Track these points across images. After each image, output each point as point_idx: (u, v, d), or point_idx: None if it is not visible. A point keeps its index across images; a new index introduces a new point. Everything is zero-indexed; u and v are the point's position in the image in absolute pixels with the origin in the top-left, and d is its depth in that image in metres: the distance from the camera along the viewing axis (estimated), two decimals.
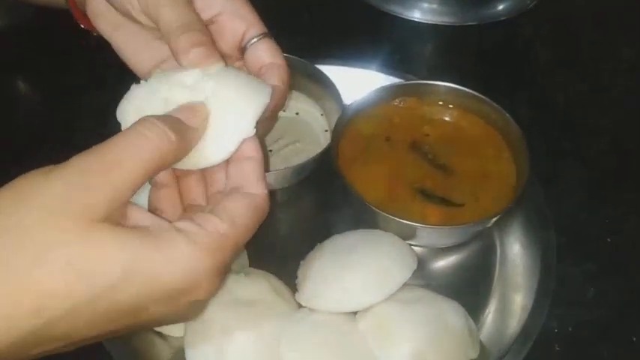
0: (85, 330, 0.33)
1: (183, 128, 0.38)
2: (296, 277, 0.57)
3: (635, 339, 0.58)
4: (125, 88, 0.44)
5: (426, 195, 0.61)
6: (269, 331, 0.52)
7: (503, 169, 0.64)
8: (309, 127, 0.70)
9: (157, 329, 0.56)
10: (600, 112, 0.77)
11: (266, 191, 0.41)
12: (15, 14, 0.84)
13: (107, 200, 0.33)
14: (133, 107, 0.42)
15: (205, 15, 0.48)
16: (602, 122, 0.75)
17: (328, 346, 0.52)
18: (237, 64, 0.52)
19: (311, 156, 0.63)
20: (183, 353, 0.53)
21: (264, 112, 0.43)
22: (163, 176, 0.43)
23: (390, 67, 0.75)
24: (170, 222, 0.37)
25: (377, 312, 0.53)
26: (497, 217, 0.60)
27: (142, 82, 0.43)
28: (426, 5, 0.85)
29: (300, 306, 0.55)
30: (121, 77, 0.51)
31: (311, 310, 0.54)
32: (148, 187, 0.43)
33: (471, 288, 0.61)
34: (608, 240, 0.65)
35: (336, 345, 0.52)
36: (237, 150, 0.42)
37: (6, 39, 0.81)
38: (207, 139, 0.41)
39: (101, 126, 0.37)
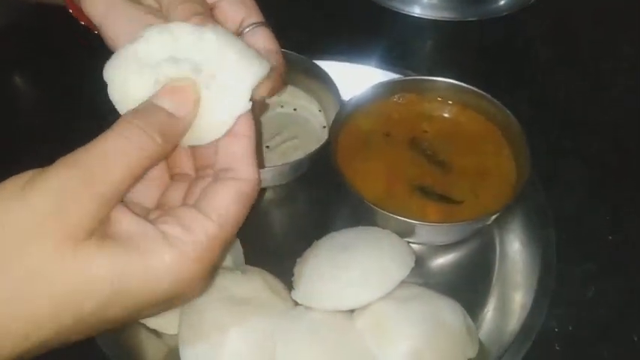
0: (75, 337, 0.34)
1: (169, 126, 0.37)
2: (292, 275, 0.57)
3: (636, 338, 0.58)
4: None
5: (425, 192, 0.61)
6: (264, 329, 0.52)
7: (503, 166, 0.63)
8: (307, 123, 0.69)
9: (152, 327, 0.55)
10: (601, 110, 0.76)
11: (256, 176, 0.39)
12: (15, 14, 0.83)
13: (93, 215, 0.32)
14: (122, 70, 0.40)
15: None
16: (603, 120, 0.75)
17: (324, 345, 0.51)
18: None
19: (309, 152, 0.62)
20: (178, 350, 0.52)
21: (260, 88, 0.42)
22: None
23: (389, 63, 0.75)
24: (154, 225, 0.35)
25: (374, 310, 0.53)
26: (497, 214, 0.59)
27: (137, 38, 0.40)
28: (426, 1, 0.84)
29: (296, 304, 0.55)
30: None
31: (307, 308, 0.54)
32: None
33: (469, 286, 0.60)
34: (609, 238, 0.64)
35: (332, 343, 0.51)
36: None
37: (6, 38, 0.80)
38: (202, 115, 0.39)
39: (101, 126, 0.35)
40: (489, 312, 0.59)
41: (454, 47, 0.84)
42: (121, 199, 0.34)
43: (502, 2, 0.86)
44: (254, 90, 0.40)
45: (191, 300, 0.39)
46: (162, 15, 0.46)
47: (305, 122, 0.70)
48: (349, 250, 0.56)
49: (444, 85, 0.66)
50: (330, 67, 0.68)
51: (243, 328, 0.51)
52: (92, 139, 0.34)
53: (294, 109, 0.70)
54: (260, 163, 0.42)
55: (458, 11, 0.84)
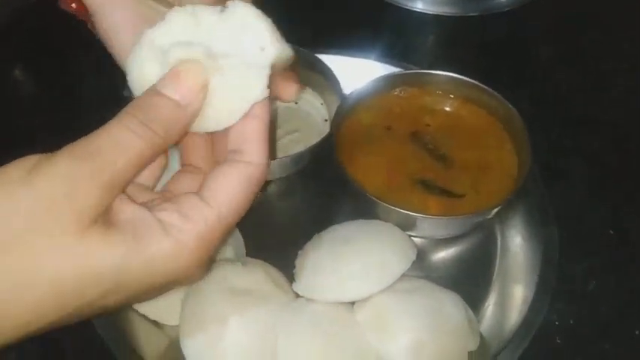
0: (74, 321, 0.34)
1: (172, 116, 0.36)
2: (294, 267, 0.57)
3: (637, 332, 0.58)
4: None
5: (426, 186, 0.61)
6: (265, 321, 0.52)
7: (504, 159, 0.63)
8: (309, 117, 0.69)
9: (153, 318, 0.55)
10: (602, 109, 0.76)
11: (264, 160, 0.38)
12: (16, 13, 0.83)
13: (99, 202, 0.32)
14: (139, 58, 0.38)
15: None
16: (604, 119, 0.75)
17: (325, 337, 0.51)
18: None
19: (310, 145, 0.62)
20: (179, 342, 0.52)
21: (282, 90, 0.41)
22: None
23: (390, 58, 0.74)
24: (152, 213, 0.35)
25: (375, 302, 0.53)
26: (498, 208, 0.59)
27: (158, 22, 0.39)
28: None
29: (297, 296, 0.55)
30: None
31: (308, 300, 0.54)
32: None
33: (471, 280, 0.60)
34: (610, 234, 0.64)
35: (333, 335, 0.51)
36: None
37: (6, 38, 0.80)
38: (216, 99, 0.38)
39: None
40: (490, 306, 0.59)
41: (456, 42, 0.83)
42: (124, 188, 0.34)
43: None
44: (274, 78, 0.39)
45: (189, 284, 0.39)
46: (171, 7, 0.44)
47: (307, 116, 0.70)
48: (350, 242, 0.56)
49: (445, 78, 0.66)
50: (332, 60, 0.68)
51: (244, 319, 0.51)
52: (104, 122, 0.34)
53: (296, 103, 0.70)
54: (271, 154, 0.42)
55: (460, 6, 0.84)
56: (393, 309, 0.52)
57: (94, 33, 0.47)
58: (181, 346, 0.52)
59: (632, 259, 0.63)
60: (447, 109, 0.67)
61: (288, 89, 0.46)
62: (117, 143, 0.33)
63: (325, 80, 0.68)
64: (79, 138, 0.34)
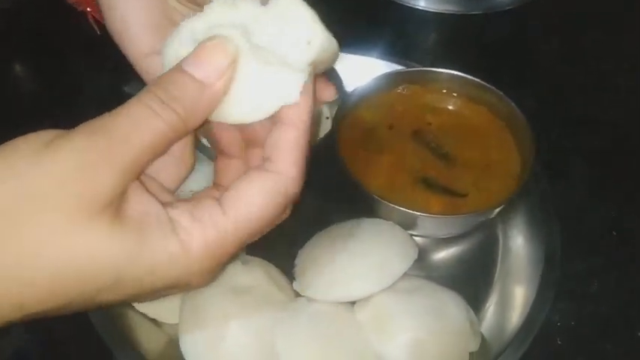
0: (70, 312, 0.33)
1: (195, 96, 0.33)
2: (294, 266, 0.56)
3: (639, 333, 0.57)
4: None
5: (429, 184, 0.60)
6: (265, 320, 0.51)
7: (507, 158, 0.62)
8: None
9: (152, 316, 0.55)
10: (603, 109, 0.76)
11: (295, 174, 0.34)
12: (15, 6, 0.82)
13: (114, 186, 0.30)
14: (174, 48, 0.36)
15: None
16: (605, 118, 0.74)
17: (325, 337, 0.51)
18: None
19: (312, 143, 0.62)
20: (178, 340, 0.52)
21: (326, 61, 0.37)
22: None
23: (393, 55, 0.74)
24: (165, 208, 0.33)
25: (376, 302, 0.52)
26: (501, 207, 0.59)
27: (197, 13, 0.37)
28: None
29: (297, 295, 0.54)
30: (124, 77, 0.50)
31: (308, 299, 0.53)
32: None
33: (472, 280, 0.60)
34: (613, 233, 0.64)
35: (333, 335, 0.51)
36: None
37: (6, 38, 0.80)
38: (246, 88, 0.34)
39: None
40: (492, 306, 0.58)
41: (458, 41, 0.83)
42: (141, 173, 0.32)
43: None
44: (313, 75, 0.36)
45: (192, 290, 0.37)
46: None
47: None
48: (351, 241, 0.55)
49: (448, 76, 0.66)
50: None
51: (244, 318, 0.51)
52: None
53: None
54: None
55: (462, 4, 0.83)
56: (394, 309, 0.51)
57: (96, 27, 0.46)
58: (180, 344, 0.51)
59: (634, 259, 0.63)
60: (450, 107, 0.67)
61: (327, 89, 0.43)
62: (136, 122, 0.31)
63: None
64: (93, 118, 0.33)
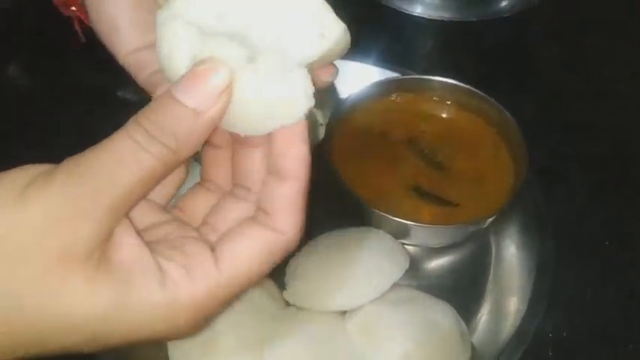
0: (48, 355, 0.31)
1: (186, 126, 0.30)
2: (284, 275, 0.56)
3: (631, 346, 0.57)
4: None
5: (421, 193, 0.60)
6: (254, 329, 0.51)
7: (500, 168, 0.62)
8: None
9: None
10: (602, 115, 0.75)
11: (294, 230, 0.32)
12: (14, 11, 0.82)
13: (96, 232, 0.28)
14: (166, 31, 0.33)
15: None
16: (604, 125, 0.74)
17: (315, 347, 0.51)
18: None
19: None
20: (167, 350, 0.51)
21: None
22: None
23: (388, 62, 0.73)
24: (154, 257, 0.30)
25: (366, 312, 0.52)
26: (493, 217, 0.58)
27: None
28: (428, 0, 0.83)
29: (287, 304, 0.54)
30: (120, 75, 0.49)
31: (298, 308, 0.53)
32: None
33: (464, 289, 0.60)
34: (607, 243, 0.63)
35: (322, 345, 0.51)
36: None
37: (6, 38, 0.80)
38: (244, 97, 0.31)
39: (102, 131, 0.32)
40: (483, 316, 0.58)
41: (455, 48, 0.83)
42: (129, 212, 0.30)
43: (504, 3, 0.85)
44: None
45: (177, 340, 0.35)
46: None
47: None
48: (343, 250, 0.55)
49: (442, 84, 0.65)
50: None
51: (233, 327, 0.50)
52: (94, 137, 0.31)
53: None
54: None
55: (459, 11, 0.83)
56: (384, 320, 0.51)
57: (81, 33, 0.46)
58: (169, 354, 0.51)
59: (630, 267, 0.62)
60: (444, 115, 0.66)
61: (326, 69, 0.39)
62: (122, 160, 0.29)
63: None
64: (79, 138, 0.31)
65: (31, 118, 0.73)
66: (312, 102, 0.31)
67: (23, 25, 0.81)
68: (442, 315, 0.53)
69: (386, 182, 0.61)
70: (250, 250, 0.32)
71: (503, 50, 0.83)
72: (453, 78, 0.66)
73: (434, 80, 0.66)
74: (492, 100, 0.63)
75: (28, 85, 0.80)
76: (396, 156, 0.63)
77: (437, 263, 0.62)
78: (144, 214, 0.34)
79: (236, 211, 0.35)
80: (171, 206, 0.37)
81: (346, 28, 0.33)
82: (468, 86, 0.65)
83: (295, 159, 0.32)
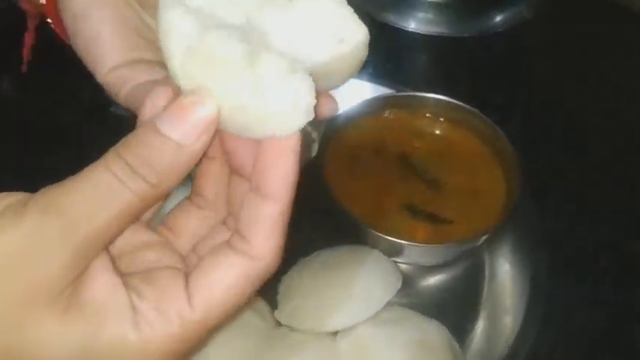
0: None
1: (168, 159, 0.29)
2: (276, 294, 0.56)
3: None
4: None
5: (414, 211, 0.60)
6: (245, 350, 0.51)
7: (494, 185, 0.62)
8: None
9: None
10: (596, 131, 0.75)
11: (272, 256, 0.30)
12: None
13: (62, 276, 0.27)
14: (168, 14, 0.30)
15: None
16: (598, 141, 0.74)
17: None
18: None
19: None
20: None
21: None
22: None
23: (381, 78, 0.73)
24: (129, 293, 0.29)
25: (358, 332, 0.52)
26: (487, 236, 0.58)
27: None
28: (421, 15, 0.83)
29: (279, 324, 0.54)
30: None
31: (290, 328, 0.53)
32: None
33: (457, 308, 0.59)
34: (601, 262, 0.63)
35: None
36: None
37: (5, 39, 0.79)
38: (246, 96, 0.28)
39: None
40: (477, 335, 0.58)
41: (448, 63, 0.83)
42: (105, 247, 0.29)
43: (498, 18, 0.85)
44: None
45: None
46: None
47: None
48: (335, 269, 0.55)
49: (435, 101, 0.65)
50: None
51: (222, 348, 0.50)
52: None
53: None
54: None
55: (453, 27, 0.83)
56: (376, 340, 0.51)
57: (25, 61, 0.45)
58: None
59: (624, 286, 0.62)
60: (437, 132, 0.66)
61: (328, 102, 0.39)
62: (98, 196, 0.27)
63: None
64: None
65: (23, 133, 0.73)
66: (310, 116, 0.29)
67: (15, 39, 0.81)
68: (435, 335, 0.53)
69: (379, 200, 0.61)
70: (225, 283, 0.29)
71: (496, 66, 0.83)
72: (447, 94, 0.66)
73: (427, 97, 0.66)
74: (485, 117, 0.63)
75: (20, 100, 0.79)
76: (389, 173, 0.62)
77: (430, 281, 0.62)
78: (127, 235, 0.32)
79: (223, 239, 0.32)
80: (157, 223, 0.35)
81: (367, 33, 0.31)
82: (460, 103, 0.64)
83: (280, 178, 0.29)
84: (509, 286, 0.60)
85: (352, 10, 0.30)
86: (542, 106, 0.77)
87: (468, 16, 0.85)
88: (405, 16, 0.83)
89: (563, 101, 0.78)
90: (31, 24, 0.52)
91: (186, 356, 0.30)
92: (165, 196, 0.31)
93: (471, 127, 0.65)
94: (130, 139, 0.29)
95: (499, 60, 0.83)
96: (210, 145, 0.31)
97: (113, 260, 0.31)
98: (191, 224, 0.35)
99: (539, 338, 0.55)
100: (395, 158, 0.64)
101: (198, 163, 0.32)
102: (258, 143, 0.29)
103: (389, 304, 0.54)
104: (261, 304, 0.55)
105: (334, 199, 0.58)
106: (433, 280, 0.62)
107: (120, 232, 0.29)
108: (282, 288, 0.55)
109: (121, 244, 0.32)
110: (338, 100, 0.65)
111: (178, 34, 0.29)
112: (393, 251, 0.58)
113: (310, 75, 0.29)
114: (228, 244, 0.30)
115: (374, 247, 0.58)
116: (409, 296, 0.59)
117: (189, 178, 0.38)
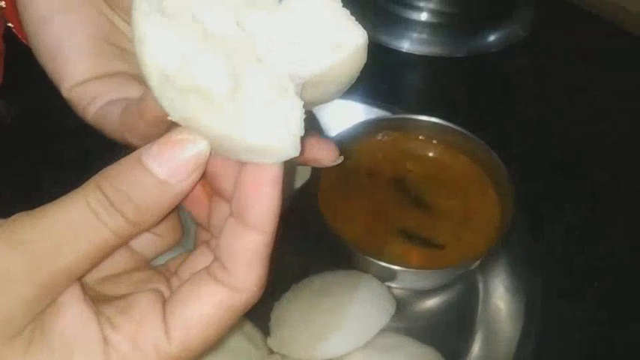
0: None
1: (152, 197, 0.27)
2: (269, 320, 0.55)
3: None
4: None
5: (408, 235, 0.59)
6: None
7: (488, 208, 0.62)
8: (290, 161, 0.68)
9: None
10: (591, 152, 0.75)
11: (254, 287, 0.28)
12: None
13: (25, 313, 0.26)
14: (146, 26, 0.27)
15: None
16: (593, 162, 0.74)
17: None
18: None
19: (291, 191, 0.61)
20: None
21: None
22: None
23: (375, 99, 0.73)
24: (101, 324, 0.28)
25: None
26: (480, 260, 0.58)
27: None
28: (415, 36, 0.84)
29: (271, 352, 0.53)
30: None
31: (283, 356, 0.52)
32: None
33: (451, 332, 0.59)
34: (595, 285, 0.63)
35: None
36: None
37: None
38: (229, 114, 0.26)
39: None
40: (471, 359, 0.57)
41: (443, 84, 0.83)
42: (73, 282, 0.28)
43: (492, 38, 0.85)
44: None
45: None
46: None
47: None
48: (328, 296, 0.54)
49: (428, 124, 0.65)
50: None
51: None
52: (85, 172, 0.28)
53: None
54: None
55: (447, 47, 0.83)
56: None
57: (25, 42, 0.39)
58: None
59: (619, 310, 0.61)
60: (431, 154, 0.66)
61: (328, 150, 0.37)
62: (71, 229, 0.26)
63: (307, 122, 0.66)
64: (67, 173, 0.29)
65: (17, 154, 0.73)
66: (297, 150, 0.27)
67: (9, 60, 0.81)
68: None
69: (372, 224, 0.60)
70: (205, 315, 0.28)
71: (490, 85, 0.83)
72: (441, 115, 0.66)
73: (420, 119, 0.65)
74: (479, 139, 0.63)
75: (13, 120, 0.79)
76: (382, 197, 0.62)
77: (424, 305, 0.61)
78: (116, 258, 0.31)
79: (206, 263, 0.30)
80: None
81: (366, 36, 0.28)
82: (454, 126, 0.64)
83: (264, 209, 0.27)
84: (503, 310, 0.60)
85: (349, 13, 0.27)
86: (537, 127, 0.77)
87: (463, 36, 0.85)
88: (399, 36, 0.84)
89: (559, 122, 0.78)
90: None
91: None
92: (144, 232, 0.30)
93: (464, 150, 0.65)
94: (113, 171, 0.28)
95: (493, 81, 0.83)
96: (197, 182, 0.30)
97: (94, 286, 0.30)
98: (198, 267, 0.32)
99: None
100: (388, 181, 0.63)
101: (182, 202, 0.31)
102: (240, 166, 0.28)
103: (383, 330, 0.53)
104: (254, 331, 0.55)
105: (328, 224, 0.58)
106: (427, 304, 0.61)
107: (93, 266, 0.28)
108: (275, 315, 0.55)
109: (107, 265, 0.31)
110: (331, 121, 0.66)
111: (155, 50, 0.27)
112: (387, 276, 0.57)
113: (302, 99, 0.27)
114: (208, 272, 0.29)
115: (367, 271, 0.57)
116: (403, 320, 0.59)
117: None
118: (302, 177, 0.65)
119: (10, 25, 0.45)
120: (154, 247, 0.34)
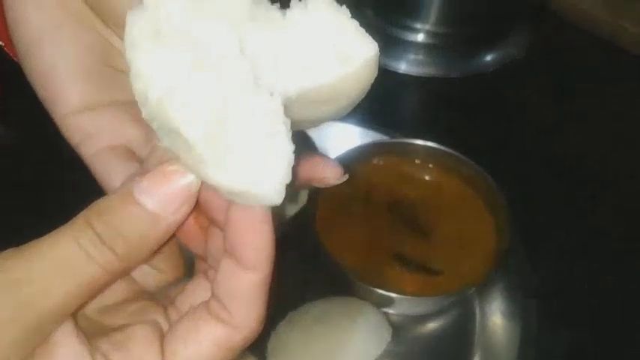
0: None
1: (142, 230, 0.27)
2: (266, 349, 0.55)
3: None
4: None
5: (404, 261, 0.59)
6: None
7: (484, 233, 0.62)
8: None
9: None
10: (588, 174, 0.75)
11: (254, 325, 0.28)
12: None
13: (13, 352, 0.25)
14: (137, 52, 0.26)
15: None
16: (590, 185, 0.74)
17: None
18: None
19: (287, 216, 0.61)
20: None
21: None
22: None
23: (371, 122, 0.73)
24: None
25: None
26: (476, 286, 0.58)
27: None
28: (412, 57, 0.84)
29: None
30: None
31: None
32: None
33: (449, 357, 0.59)
34: (594, 308, 0.62)
35: None
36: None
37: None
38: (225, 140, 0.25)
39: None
40: None
41: (439, 104, 0.83)
42: (63, 320, 0.27)
43: (488, 59, 0.86)
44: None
45: None
46: None
47: None
48: (325, 324, 0.55)
49: (424, 148, 0.65)
50: None
51: None
52: (84, 198, 0.28)
53: None
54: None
55: (443, 68, 0.84)
56: None
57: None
58: None
59: (618, 333, 0.61)
60: (427, 178, 0.66)
61: (332, 167, 0.37)
62: (60, 267, 0.26)
63: (302, 146, 0.67)
64: (68, 197, 0.29)
65: (16, 176, 0.73)
66: (280, 198, 0.25)
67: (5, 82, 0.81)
68: None
69: (369, 250, 0.60)
70: (204, 353, 0.28)
71: (487, 106, 0.83)
72: (437, 136, 0.66)
73: (416, 144, 0.66)
74: (475, 164, 0.63)
75: (12, 141, 0.79)
76: (378, 222, 0.62)
77: (420, 331, 0.61)
78: (115, 287, 0.31)
79: (204, 294, 0.30)
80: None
81: (377, 48, 0.27)
82: (450, 150, 0.64)
83: (256, 251, 0.27)
84: (500, 335, 0.60)
85: (358, 24, 0.26)
86: (534, 150, 0.77)
87: (459, 57, 0.85)
88: (396, 58, 0.84)
89: (556, 145, 0.78)
90: None
91: None
92: (135, 267, 0.30)
93: (460, 174, 0.65)
94: (103, 205, 0.27)
95: (489, 101, 0.83)
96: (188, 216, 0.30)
97: (92, 315, 0.30)
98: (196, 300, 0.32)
99: None
100: (384, 206, 0.63)
101: (173, 236, 0.31)
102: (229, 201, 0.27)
103: (380, 356, 0.53)
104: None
105: (325, 251, 0.58)
106: (424, 329, 0.61)
107: (85, 303, 0.28)
108: (272, 344, 0.55)
109: (106, 295, 0.31)
110: (327, 145, 0.66)
111: (140, 80, 0.26)
112: (384, 302, 0.57)
113: (309, 117, 0.27)
114: (207, 309, 0.28)
115: (364, 298, 0.57)
116: (400, 345, 0.59)
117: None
118: (299, 203, 0.65)
119: (0, 43, 0.43)
120: (155, 282, 0.34)
